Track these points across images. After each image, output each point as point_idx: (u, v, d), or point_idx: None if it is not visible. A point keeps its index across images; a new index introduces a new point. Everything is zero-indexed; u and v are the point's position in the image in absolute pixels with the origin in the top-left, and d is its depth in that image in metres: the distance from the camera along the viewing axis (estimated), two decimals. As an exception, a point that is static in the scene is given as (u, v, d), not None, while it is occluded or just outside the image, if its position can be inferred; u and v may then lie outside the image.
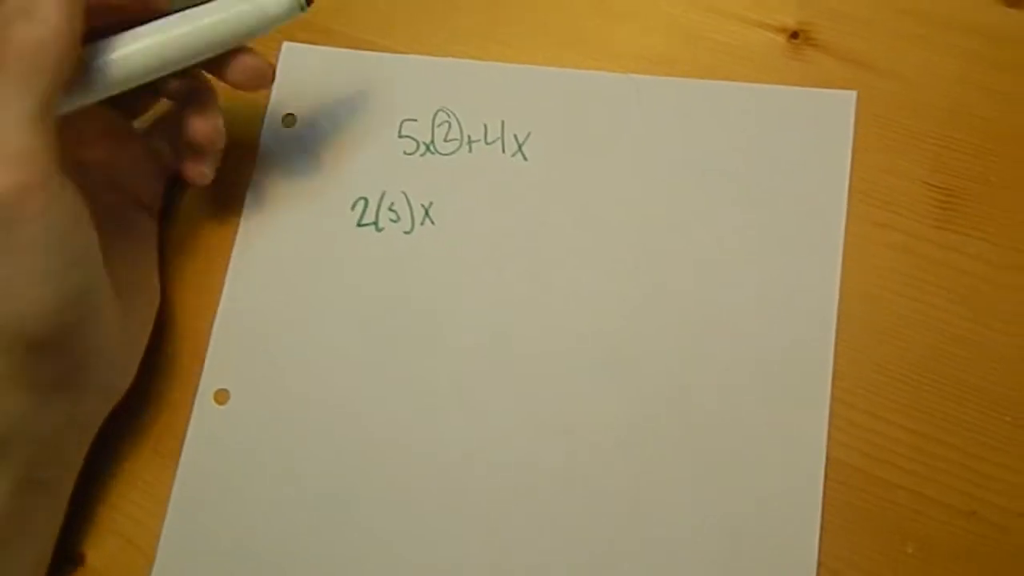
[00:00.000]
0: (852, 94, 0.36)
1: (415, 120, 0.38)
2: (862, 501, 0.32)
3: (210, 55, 0.30)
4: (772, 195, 0.35)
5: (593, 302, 0.35)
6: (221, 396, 0.35)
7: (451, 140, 0.38)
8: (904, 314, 0.33)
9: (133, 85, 0.30)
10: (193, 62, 0.30)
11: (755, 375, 0.33)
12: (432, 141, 0.38)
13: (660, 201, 0.36)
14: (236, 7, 0.29)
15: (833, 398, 0.33)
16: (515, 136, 0.37)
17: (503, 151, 0.37)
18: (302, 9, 0.30)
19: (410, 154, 0.38)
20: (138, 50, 0.28)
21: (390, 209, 0.37)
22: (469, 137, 0.37)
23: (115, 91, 0.29)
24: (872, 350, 0.33)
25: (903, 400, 0.33)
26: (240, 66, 0.31)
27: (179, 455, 0.35)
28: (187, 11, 0.28)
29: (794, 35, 0.37)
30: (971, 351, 0.33)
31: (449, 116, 0.38)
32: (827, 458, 0.32)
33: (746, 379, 0.33)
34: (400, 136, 0.38)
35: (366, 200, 0.37)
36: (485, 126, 0.37)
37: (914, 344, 0.33)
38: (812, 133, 0.35)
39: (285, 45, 0.40)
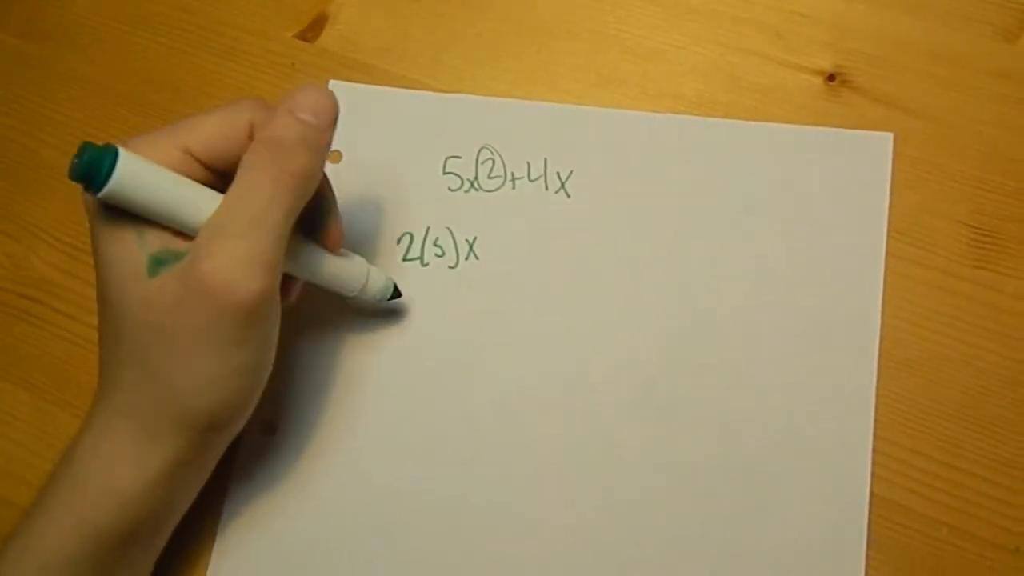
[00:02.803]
0: (889, 136, 0.36)
1: (459, 157, 0.39)
2: (906, 537, 0.32)
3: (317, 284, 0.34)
4: (812, 234, 0.36)
5: (635, 337, 0.36)
6: (269, 427, 0.36)
7: (495, 177, 0.38)
8: (943, 352, 0.34)
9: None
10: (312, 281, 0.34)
11: (798, 413, 0.34)
12: (476, 178, 0.39)
13: (700, 238, 0.37)
14: (354, 272, 0.34)
15: (875, 435, 0.33)
16: (558, 173, 0.38)
17: (546, 188, 0.38)
18: (388, 299, 0.35)
19: (455, 190, 0.38)
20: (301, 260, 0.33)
21: (435, 244, 0.38)
22: (512, 174, 0.38)
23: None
24: (912, 387, 0.34)
25: (944, 437, 0.33)
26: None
27: (227, 484, 0.35)
28: (329, 257, 0.33)
29: (831, 78, 0.38)
30: (1010, 388, 0.33)
31: (493, 154, 0.39)
32: (870, 494, 0.33)
33: (790, 417, 0.34)
34: (445, 173, 0.39)
35: (411, 235, 0.38)
36: (528, 164, 0.38)
37: (954, 381, 0.34)
38: (851, 174, 0.36)
39: (331, 83, 0.41)
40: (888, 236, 0.35)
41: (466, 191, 0.38)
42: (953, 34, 0.37)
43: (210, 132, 0.29)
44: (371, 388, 0.36)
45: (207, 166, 0.30)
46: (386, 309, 0.37)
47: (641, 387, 0.35)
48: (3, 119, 0.43)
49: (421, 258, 0.38)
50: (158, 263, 0.28)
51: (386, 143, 0.39)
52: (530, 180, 0.38)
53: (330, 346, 0.37)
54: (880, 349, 0.34)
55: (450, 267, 0.37)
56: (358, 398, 0.36)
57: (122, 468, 0.29)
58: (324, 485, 0.35)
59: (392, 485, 0.35)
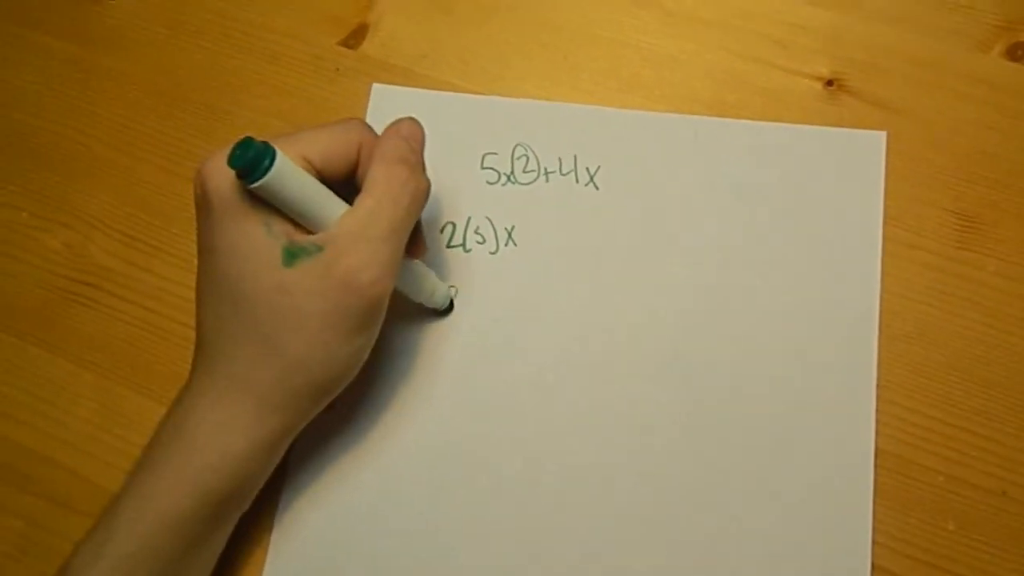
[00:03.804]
0: (883, 134, 0.41)
1: (496, 154, 0.42)
2: (907, 485, 0.36)
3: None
4: (816, 222, 0.40)
5: (657, 313, 0.39)
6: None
7: (529, 171, 0.42)
8: (934, 323, 0.39)
9: None
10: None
11: (809, 381, 0.38)
12: (512, 172, 0.42)
13: (715, 225, 0.41)
14: (428, 281, 0.39)
15: (878, 396, 0.37)
16: (587, 168, 0.42)
17: (576, 181, 0.42)
18: (442, 313, 0.40)
19: (492, 183, 0.42)
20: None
21: (476, 232, 0.41)
22: (545, 169, 0.42)
23: None
24: (909, 354, 0.38)
25: (937, 396, 0.38)
26: None
27: (288, 454, 0.38)
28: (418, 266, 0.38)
29: (829, 83, 0.42)
30: (992, 352, 0.38)
31: (527, 150, 0.42)
32: (875, 449, 0.37)
33: (801, 383, 0.38)
34: (483, 168, 0.42)
35: (454, 224, 0.41)
36: (560, 159, 0.42)
37: (944, 348, 0.38)
38: (849, 168, 0.41)
39: (375, 86, 0.44)
40: (883, 222, 0.40)
41: (503, 184, 0.42)
42: (937, 45, 0.42)
43: (326, 145, 0.33)
44: (419, 363, 0.39)
45: (319, 174, 0.33)
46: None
47: (663, 358, 0.39)
48: (55, 117, 0.45)
49: (463, 245, 0.41)
50: (292, 255, 0.32)
51: (428, 140, 0.42)
52: (562, 174, 0.42)
53: (383, 325, 0.40)
54: (879, 321, 0.38)
55: (491, 252, 0.41)
56: (408, 372, 0.39)
57: (237, 436, 0.32)
58: (376, 454, 0.38)
59: (440, 452, 0.38)
